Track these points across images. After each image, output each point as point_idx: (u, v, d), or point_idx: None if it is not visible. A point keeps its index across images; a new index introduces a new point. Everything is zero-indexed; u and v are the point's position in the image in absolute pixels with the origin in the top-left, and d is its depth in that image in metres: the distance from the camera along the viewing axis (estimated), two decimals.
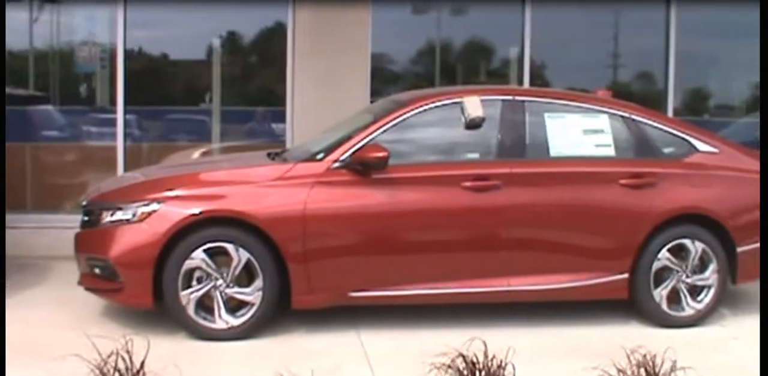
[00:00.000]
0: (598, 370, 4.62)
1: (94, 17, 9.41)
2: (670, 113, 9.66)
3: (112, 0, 8.82)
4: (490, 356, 4.39)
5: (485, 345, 4.45)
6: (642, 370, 4.46)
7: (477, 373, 4.29)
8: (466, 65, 10.50)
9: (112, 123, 8.92)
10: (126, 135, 8.94)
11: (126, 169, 8.68)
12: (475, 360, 4.35)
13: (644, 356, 4.53)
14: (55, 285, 7.23)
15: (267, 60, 9.78)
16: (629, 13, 10.17)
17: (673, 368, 4.51)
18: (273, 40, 9.43)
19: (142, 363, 4.19)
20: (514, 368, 4.45)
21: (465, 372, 4.31)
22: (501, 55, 10.28)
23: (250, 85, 9.99)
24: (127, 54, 8.96)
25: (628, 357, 4.53)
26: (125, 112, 8.88)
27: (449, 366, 4.35)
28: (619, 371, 4.50)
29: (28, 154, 9.10)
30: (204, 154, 7.23)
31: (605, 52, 10.37)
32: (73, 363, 4.55)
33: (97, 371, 4.19)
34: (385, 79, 9.89)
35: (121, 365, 4.16)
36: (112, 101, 8.96)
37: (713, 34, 10.30)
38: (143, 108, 9.21)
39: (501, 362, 4.37)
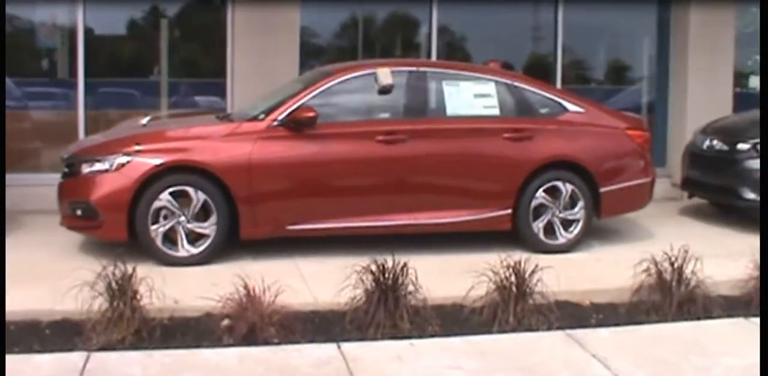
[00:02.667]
0: (482, 276, 5.80)
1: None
2: (558, 82, 10.80)
3: None
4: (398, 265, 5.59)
5: (393, 259, 5.60)
6: (510, 270, 5.75)
7: (386, 273, 5.55)
8: (386, 39, 11.28)
9: (73, 93, 9.60)
10: (86, 104, 9.62)
11: (86, 134, 9.35)
12: (383, 264, 5.58)
13: (515, 263, 5.78)
14: (31, 232, 8.04)
15: (208, 36, 10.22)
16: None
17: (534, 270, 5.78)
18: (213, 17, 10.04)
19: (134, 269, 5.37)
20: (418, 273, 5.63)
21: (377, 274, 5.55)
22: (416, 30, 11.03)
23: (194, 59, 10.60)
24: (86, 31, 9.55)
25: (502, 263, 5.77)
26: (85, 83, 9.56)
27: (365, 268, 5.58)
28: (494, 273, 5.76)
29: None
30: (153, 119, 8.02)
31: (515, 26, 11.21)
32: (68, 282, 5.43)
33: (99, 279, 5.31)
34: (311, 53, 10.61)
35: (117, 272, 5.32)
36: (72, 74, 9.60)
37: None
38: (100, 80, 9.81)
39: (403, 267, 5.61)
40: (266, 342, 5.25)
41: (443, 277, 6.36)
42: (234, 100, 9.74)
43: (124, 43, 10.58)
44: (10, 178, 8.82)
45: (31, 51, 10.16)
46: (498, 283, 5.75)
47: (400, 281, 5.58)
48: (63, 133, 9.51)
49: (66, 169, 7.31)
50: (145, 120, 7.89)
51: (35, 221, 8.30)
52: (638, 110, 11.28)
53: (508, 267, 5.77)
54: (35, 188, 8.60)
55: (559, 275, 6.04)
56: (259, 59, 9.64)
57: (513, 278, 5.73)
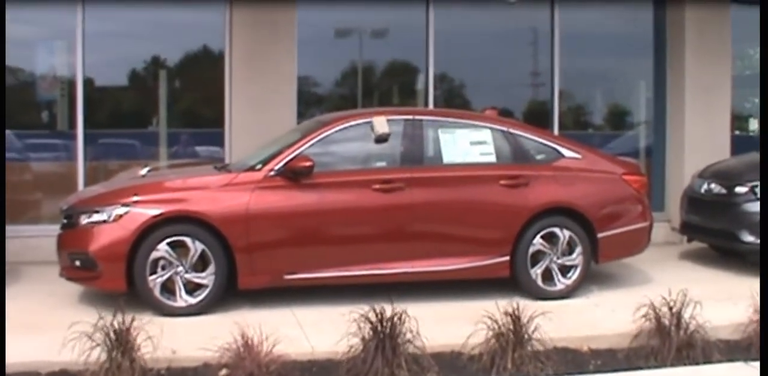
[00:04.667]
0: (480, 323, 5.80)
1: (53, 49, 9.97)
2: (555, 128, 10.86)
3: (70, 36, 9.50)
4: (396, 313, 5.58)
5: (392, 307, 5.60)
6: (508, 318, 5.75)
7: (384, 321, 5.55)
8: (385, 87, 11.38)
9: (73, 144, 9.63)
10: (85, 155, 9.66)
11: (86, 185, 9.38)
12: (382, 312, 5.58)
13: (513, 309, 5.78)
14: (30, 283, 8.05)
15: (207, 87, 10.27)
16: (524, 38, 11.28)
17: (532, 316, 5.79)
18: (212, 68, 10.09)
19: (132, 319, 5.38)
20: (417, 321, 5.63)
21: (375, 322, 5.54)
22: (414, 78, 11.04)
23: (193, 109, 10.66)
24: (85, 82, 9.63)
25: (500, 310, 5.76)
26: (84, 135, 9.61)
27: (363, 316, 5.57)
28: (493, 321, 5.77)
29: None
30: (151, 170, 8.09)
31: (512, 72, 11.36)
32: (67, 333, 5.40)
33: (96, 330, 5.31)
34: (310, 102, 10.74)
35: (116, 324, 5.32)
36: (72, 125, 9.67)
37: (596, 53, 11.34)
38: (100, 131, 9.88)
39: (401, 315, 5.61)
40: None
41: (442, 324, 6.38)
42: (233, 149, 9.80)
43: (124, 93, 10.61)
44: (10, 229, 8.79)
45: (32, 104, 10.21)
46: (496, 330, 5.76)
47: (398, 329, 5.57)
48: (63, 185, 9.57)
49: (65, 221, 7.34)
50: (143, 171, 7.96)
51: (35, 272, 8.32)
52: (636, 155, 11.34)
53: (506, 314, 5.78)
54: (35, 240, 8.66)
55: (558, 321, 6.10)
56: (258, 109, 9.72)
57: (511, 325, 5.74)
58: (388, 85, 11.37)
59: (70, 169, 9.74)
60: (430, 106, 10.51)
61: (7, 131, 9.52)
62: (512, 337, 5.71)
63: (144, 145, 10.44)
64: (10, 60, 9.52)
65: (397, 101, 11.14)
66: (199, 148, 10.57)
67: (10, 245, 8.58)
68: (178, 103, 10.59)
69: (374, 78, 11.32)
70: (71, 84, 9.75)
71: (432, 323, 6.03)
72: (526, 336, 5.73)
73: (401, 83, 11.37)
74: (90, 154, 9.81)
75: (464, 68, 11.02)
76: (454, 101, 11.03)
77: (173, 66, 10.49)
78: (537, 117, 10.79)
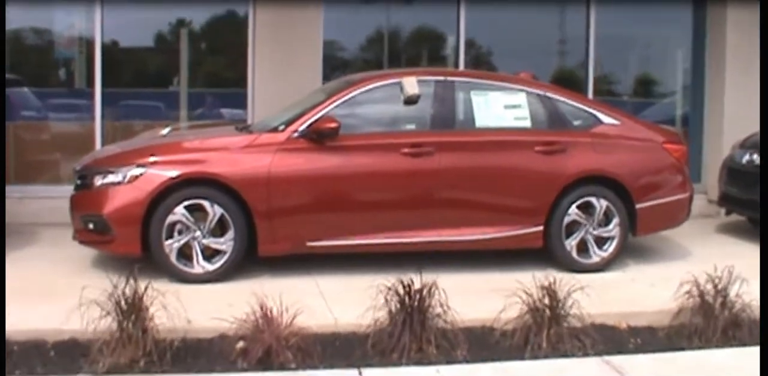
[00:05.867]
0: (513, 297, 5.47)
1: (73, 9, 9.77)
2: (590, 94, 10.50)
3: None
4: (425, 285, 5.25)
5: (420, 278, 5.26)
6: (544, 291, 5.42)
7: (413, 294, 5.23)
8: (412, 52, 11.05)
9: (91, 104, 9.46)
10: (103, 115, 9.49)
11: (103, 144, 9.21)
12: (410, 284, 5.26)
13: (549, 283, 5.45)
14: (45, 246, 7.88)
15: (230, 48, 10.12)
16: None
17: (569, 292, 5.46)
18: (236, 30, 9.87)
19: (146, 287, 5.07)
20: (445, 293, 5.30)
21: (402, 294, 5.23)
22: (442, 44, 10.81)
23: (214, 69, 10.45)
24: (104, 42, 9.47)
25: (535, 284, 5.43)
26: (103, 94, 9.42)
27: (389, 289, 5.27)
28: (527, 294, 5.43)
29: (11, 133, 9.43)
30: (172, 130, 7.89)
31: (540, 39, 11.00)
32: (78, 300, 5.09)
33: (108, 297, 5.03)
34: (335, 66, 10.44)
35: (127, 291, 5.03)
36: (90, 83, 9.48)
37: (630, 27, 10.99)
38: (118, 90, 9.70)
39: (431, 287, 5.28)
40: (282, 367, 4.95)
41: (472, 297, 6.05)
42: (255, 111, 9.56)
43: (145, 54, 10.51)
44: (28, 189, 8.97)
45: (50, 62, 10.13)
46: (531, 305, 5.43)
47: (427, 302, 5.26)
48: (81, 144, 9.41)
49: (78, 182, 7.07)
50: (164, 131, 7.77)
51: (52, 234, 8.13)
52: (672, 124, 10.95)
53: (541, 288, 5.45)
54: (53, 201, 8.39)
55: (594, 296, 5.74)
56: (282, 70, 9.47)
57: (546, 300, 5.41)
58: (415, 51, 11.12)
59: (88, 129, 9.58)
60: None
61: (25, 89, 9.61)
62: (548, 313, 5.38)
63: (165, 106, 10.27)
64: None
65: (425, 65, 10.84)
66: (221, 110, 10.42)
67: (28, 206, 8.65)
68: (200, 63, 10.47)
69: (400, 44, 11.09)
70: (90, 43, 9.60)
71: (461, 295, 5.67)
72: (562, 312, 5.40)
73: (428, 50, 11.13)
74: (108, 114, 9.66)
75: (494, 34, 10.67)
76: (482, 68, 10.62)
77: (195, 25, 10.36)
78: (569, 84, 10.27)
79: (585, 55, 10.74)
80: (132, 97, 10.12)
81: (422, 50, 11.12)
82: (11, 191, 8.61)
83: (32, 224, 8.47)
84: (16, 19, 9.19)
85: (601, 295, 6.08)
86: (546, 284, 5.46)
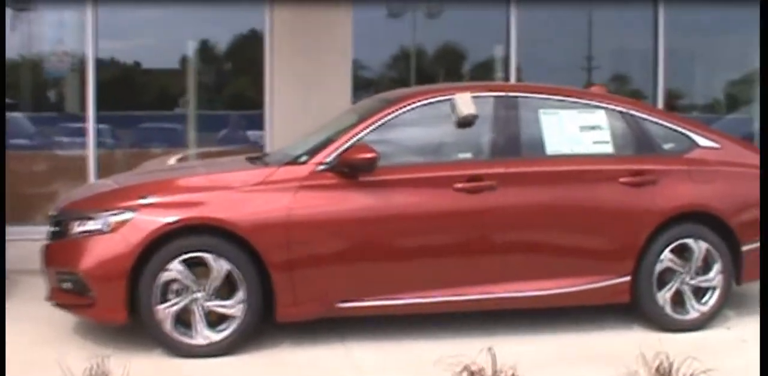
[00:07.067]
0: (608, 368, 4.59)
1: (64, 24, 9.18)
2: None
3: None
4: (499, 366, 4.19)
5: (492, 354, 4.24)
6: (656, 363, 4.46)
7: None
8: (443, 69, 10.42)
9: (83, 130, 8.70)
10: (98, 142, 8.72)
11: (98, 177, 8.42)
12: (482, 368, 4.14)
13: (661, 361, 4.43)
14: (26, 300, 6.87)
15: (242, 64, 9.64)
16: (615, 12, 10.12)
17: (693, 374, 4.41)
18: (248, 44, 9.34)
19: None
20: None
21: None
22: (480, 57, 10.17)
23: (225, 89, 9.87)
24: (99, 61, 8.77)
25: (644, 361, 4.46)
26: (97, 118, 8.65)
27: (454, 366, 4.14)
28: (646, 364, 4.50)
29: None
30: (180, 160, 6.98)
31: (594, 51, 10.32)
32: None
33: None
34: (359, 85, 9.65)
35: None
36: (82, 108, 8.72)
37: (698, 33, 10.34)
38: (115, 114, 9.00)
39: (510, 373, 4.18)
40: None
41: (555, 369, 5.13)
42: (273, 137, 8.74)
43: (148, 73, 9.89)
44: (9, 230, 7.91)
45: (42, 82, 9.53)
46: None
47: None
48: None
49: (53, 229, 5.93)
50: (172, 160, 7.12)
51: (36, 285, 6.77)
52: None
53: (657, 370, 4.34)
54: (39, 244, 7.37)
55: (703, 365, 4.71)
56: (304, 88, 8.67)
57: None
58: (446, 68, 10.46)
59: (80, 158, 8.79)
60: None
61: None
62: None
63: (170, 131, 9.57)
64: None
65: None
66: (247, 133, 9.78)
67: (10, 249, 7.67)
68: (210, 84, 9.91)
69: (427, 60, 10.47)
70: (82, 62, 8.89)
71: (551, 368, 4.93)
72: None
73: (462, 66, 10.51)
74: (103, 140, 9.03)
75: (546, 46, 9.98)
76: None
77: (205, 45, 9.86)
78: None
79: (653, 65, 9.90)
80: (132, 120, 9.47)
81: (455, 67, 10.48)
82: None
83: (15, 272, 7.53)
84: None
85: (712, 363, 4.92)
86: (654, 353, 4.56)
